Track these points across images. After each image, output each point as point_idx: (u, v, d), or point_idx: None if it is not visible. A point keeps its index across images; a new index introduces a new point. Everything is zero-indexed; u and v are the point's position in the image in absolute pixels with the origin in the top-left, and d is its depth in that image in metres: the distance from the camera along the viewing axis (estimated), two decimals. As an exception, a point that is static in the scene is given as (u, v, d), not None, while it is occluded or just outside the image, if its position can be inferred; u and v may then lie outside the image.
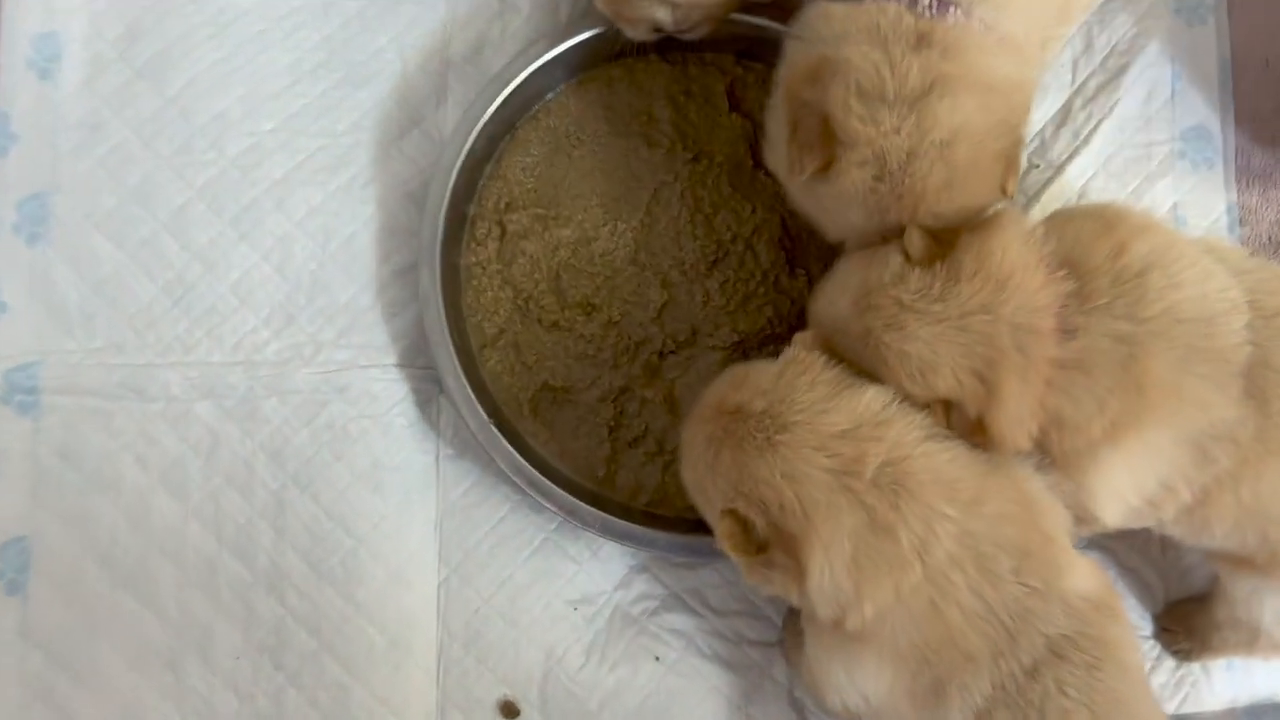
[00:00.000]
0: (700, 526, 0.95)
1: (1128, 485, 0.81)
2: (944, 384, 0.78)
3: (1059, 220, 0.84)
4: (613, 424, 1.04)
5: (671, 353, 1.06)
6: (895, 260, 0.81)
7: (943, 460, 0.76)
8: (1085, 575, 0.79)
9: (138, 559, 1.01)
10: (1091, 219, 0.82)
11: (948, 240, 0.81)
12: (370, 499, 1.03)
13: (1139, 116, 1.14)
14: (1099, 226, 0.81)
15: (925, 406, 0.80)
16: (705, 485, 0.80)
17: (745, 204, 1.07)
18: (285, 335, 1.05)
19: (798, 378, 0.78)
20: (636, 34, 1.01)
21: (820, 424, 0.75)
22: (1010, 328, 0.77)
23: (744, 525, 0.76)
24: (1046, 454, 0.82)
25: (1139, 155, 1.13)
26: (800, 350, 0.81)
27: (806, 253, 1.07)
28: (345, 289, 1.06)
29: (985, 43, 0.83)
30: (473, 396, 0.99)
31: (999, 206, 0.85)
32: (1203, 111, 1.15)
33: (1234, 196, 1.16)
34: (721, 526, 0.77)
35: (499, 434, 0.98)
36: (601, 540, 1.02)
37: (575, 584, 1.04)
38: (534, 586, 1.03)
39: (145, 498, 1.02)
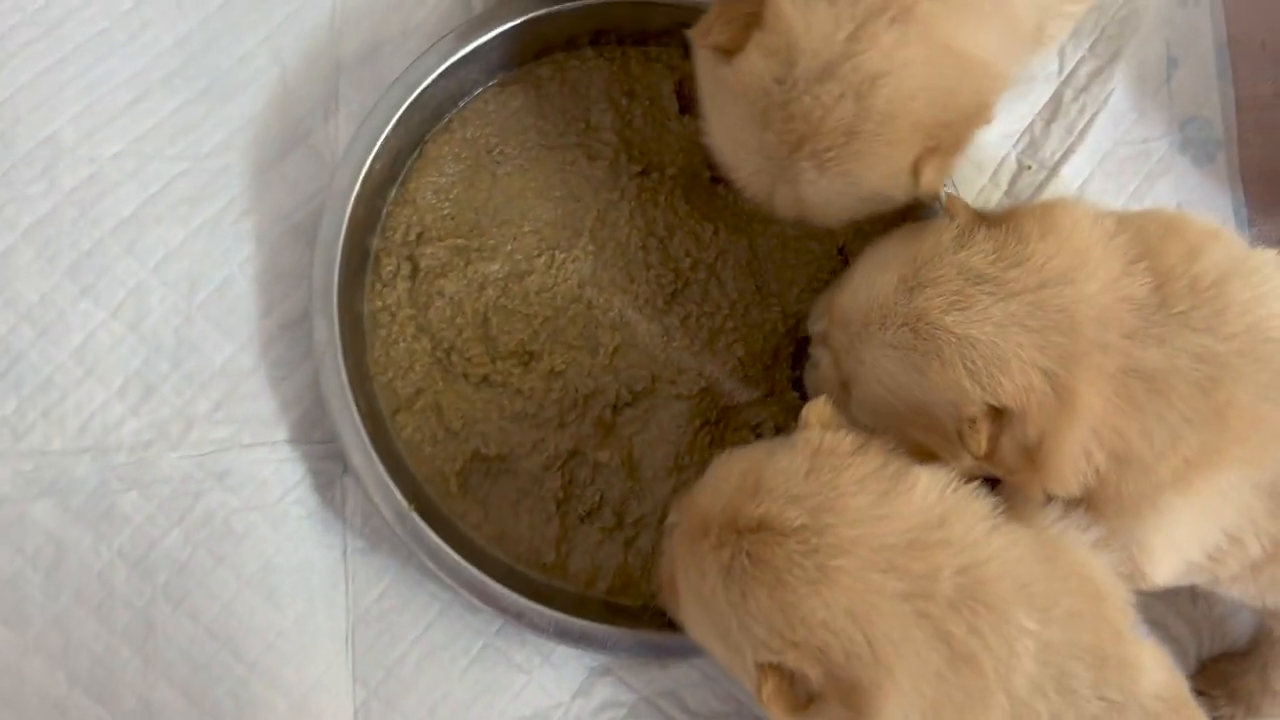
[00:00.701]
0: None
1: (1190, 538, 0.69)
2: (1010, 384, 0.64)
3: (1124, 220, 0.71)
4: (561, 496, 0.87)
5: (628, 405, 0.89)
6: (954, 223, 0.68)
7: (1013, 555, 0.61)
8: (1155, 667, 0.65)
9: (-41, 711, 0.81)
10: (1150, 219, 0.71)
11: (997, 219, 0.69)
12: (263, 611, 0.83)
13: (1134, 108, 1.03)
14: (1163, 226, 0.69)
15: (959, 431, 0.66)
16: (727, 631, 0.62)
17: (706, 224, 0.91)
18: (145, 411, 0.85)
19: (838, 474, 0.61)
20: None
21: (880, 535, 0.59)
22: (1097, 312, 0.64)
23: (790, 680, 0.59)
24: (1086, 498, 0.69)
25: (1137, 152, 1.02)
26: (821, 432, 0.64)
27: (780, 278, 0.91)
28: (219, 349, 0.87)
29: None
30: (385, 475, 0.80)
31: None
32: (1201, 100, 1.05)
33: (1241, 194, 1.05)
34: (765, 688, 0.59)
35: (420, 521, 0.80)
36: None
37: (525, 698, 0.86)
38: (474, 706, 0.85)
39: (-33, 630, 0.82)
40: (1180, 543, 0.69)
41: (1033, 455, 0.65)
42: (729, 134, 0.73)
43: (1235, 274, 0.66)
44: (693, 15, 0.84)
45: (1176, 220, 0.70)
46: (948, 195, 0.70)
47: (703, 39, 0.69)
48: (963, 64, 0.68)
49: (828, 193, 0.70)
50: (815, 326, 0.81)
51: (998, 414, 0.66)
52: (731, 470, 0.65)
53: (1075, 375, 0.63)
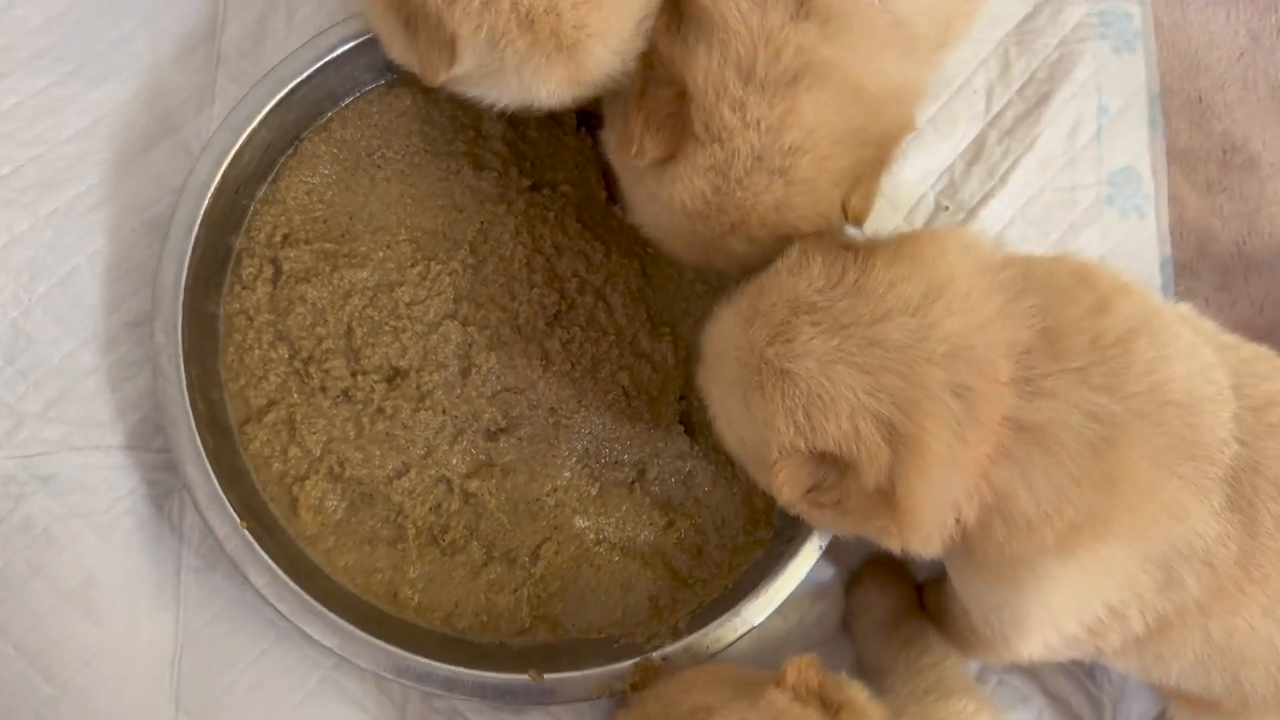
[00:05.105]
0: (530, 658, 0.77)
1: (1069, 610, 0.64)
2: (835, 429, 0.59)
3: (1020, 259, 0.67)
4: (422, 526, 0.81)
5: (502, 431, 0.83)
6: (795, 250, 0.64)
7: None
8: None
9: None
10: (1062, 264, 0.66)
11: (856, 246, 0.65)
12: (80, 628, 0.77)
13: (1062, 155, 0.99)
14: (1074, 275, 0.65)
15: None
16: None
17: (596, 245, 0.86)
18: (-30, 406, 0.80)
19: None
20: None
21: None
22: (948, 354, 0.59)
23: None
24: (960, 554, 0.65)
25: (1062, 200, 0.98)
26: (790, 703, 0.58)
27: (673, 307, 0.86)
28: (58, 344, 0.81)
29: (876, 24, 0.65)
30: (219, 488, 0.75)
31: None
32: (1133, 151, 1.01)
33: (1169, 251, 1.01)
34: None
35: (251, 539, 0.74)
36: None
37: (363, 738, 0.79)
38: (306, 742, 0.79)
39: None
40: (1057, 614, 0.64)
41: (889, 505, 0.60)
42: (657, 224, 0.73)
43: (1142, 331, 0.62)
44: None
45: (1087, 270, 0.65)
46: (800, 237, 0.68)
47: (635, 159, 0.67)
48: (873, 100, 0.65)
49: (760, 250, 0.69)
50: None
51: (831, 460, 0.61)
52: None
53: (919, 423, 0.58)
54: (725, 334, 0.65)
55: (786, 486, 0.61)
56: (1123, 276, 0.67)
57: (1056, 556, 0.61)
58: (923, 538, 0.62)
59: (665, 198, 0.68)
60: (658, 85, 0.66)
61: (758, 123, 0.63)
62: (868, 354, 0.58)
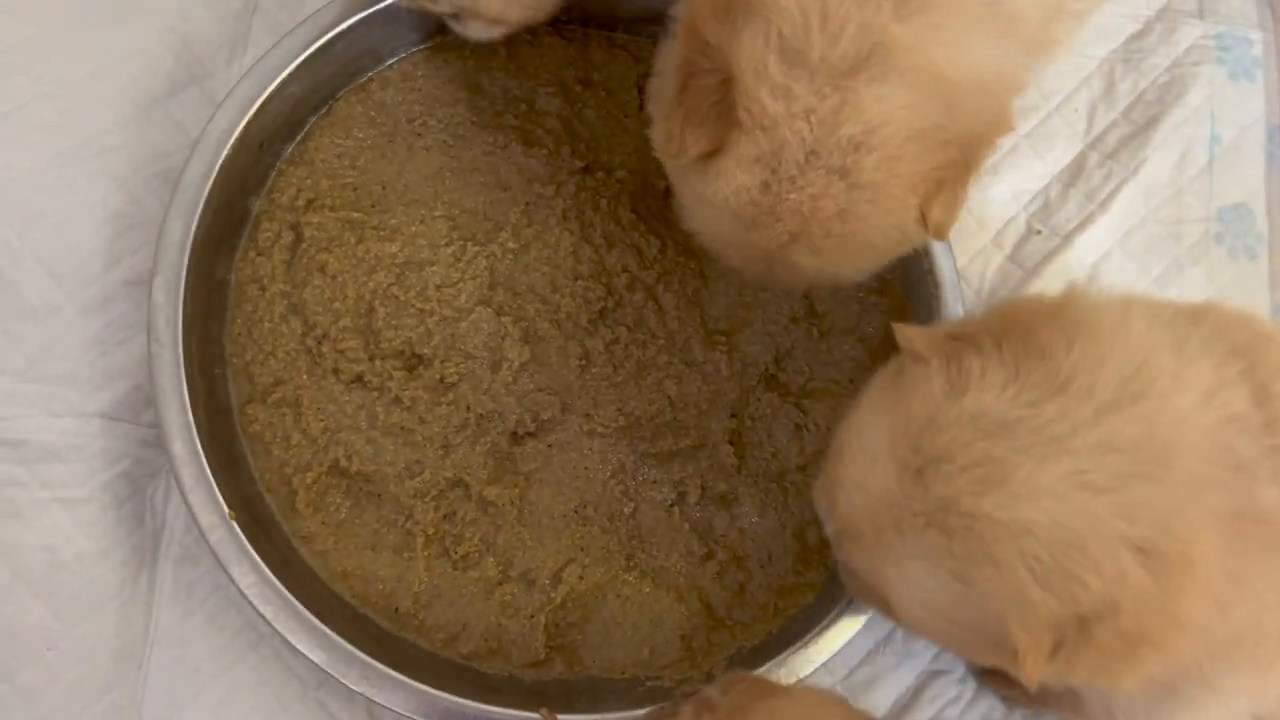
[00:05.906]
0: (542, 695, 0.69)
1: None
2: (1096, 581, 0.46)
3: (1170, 311, 0.55)
4: (432, 533, 0.73)
5: (530, 435, 0.75)
6: (929, 364, 0.51)
7: None
8: None
9: None
10: (1219, 314, 0.55)
11: (977, 336, 0.52)
12: (38, 615, 0.69)
13: (1169, 185, 0.90)
14: (1246, 329, 0.53)
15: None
16: None
17: (651, 239, 0.78)
18: (-58, 355, 0.73)
19: None
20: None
21: None
22: (1199, 436, 0.47)
23: None
24: None
25: (1166, 233, 0.89)
26: None
27: (731, 315, 0.77)
28: (46, 295, 0.74)
29: (968, 1, 0.56)
30: (207, 470, 0.67)
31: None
32: (1246, 187, 0.92)
33: (1280, 298, 0.90)
34: None
35: (240, 532, 0.65)
36: (389, 706, 0.68)
37: (346, 768, 0.70)
38: (278, 769, 0.69)
39: None
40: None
41: (1141, 647, 0.47)
42: (712, 232, 0.65)
43: None
44: (670, 5, 0.74)
45: (1252, 321, 0.53)
46: (896, 327, 0.56)
47: (678, 156, 0.59)
48: (957, 90, 0.56)
49: (830, 266, 0.62)
50: (827, 528, 0.61)
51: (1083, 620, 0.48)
52: None
53: (1185, 536, 0.46)
54: (891, 499, 0.50)
55: (1041, 669, 0.47)
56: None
57: (1245, 673, 0.50)
58: (1170, 668, 0.49)
59: (710, 197, 0.60)
60: (701, 75, 0.58)
61: (807, 114, 0.54)
62: (1105, 465, 0.46)
